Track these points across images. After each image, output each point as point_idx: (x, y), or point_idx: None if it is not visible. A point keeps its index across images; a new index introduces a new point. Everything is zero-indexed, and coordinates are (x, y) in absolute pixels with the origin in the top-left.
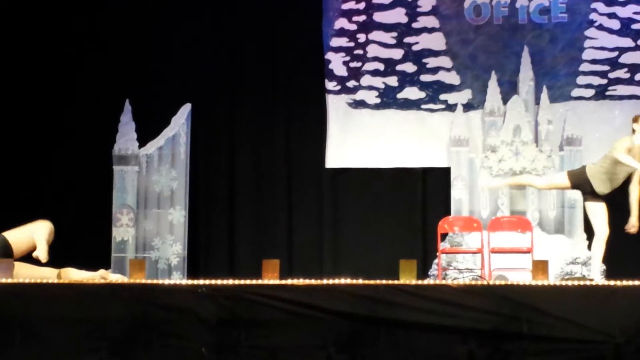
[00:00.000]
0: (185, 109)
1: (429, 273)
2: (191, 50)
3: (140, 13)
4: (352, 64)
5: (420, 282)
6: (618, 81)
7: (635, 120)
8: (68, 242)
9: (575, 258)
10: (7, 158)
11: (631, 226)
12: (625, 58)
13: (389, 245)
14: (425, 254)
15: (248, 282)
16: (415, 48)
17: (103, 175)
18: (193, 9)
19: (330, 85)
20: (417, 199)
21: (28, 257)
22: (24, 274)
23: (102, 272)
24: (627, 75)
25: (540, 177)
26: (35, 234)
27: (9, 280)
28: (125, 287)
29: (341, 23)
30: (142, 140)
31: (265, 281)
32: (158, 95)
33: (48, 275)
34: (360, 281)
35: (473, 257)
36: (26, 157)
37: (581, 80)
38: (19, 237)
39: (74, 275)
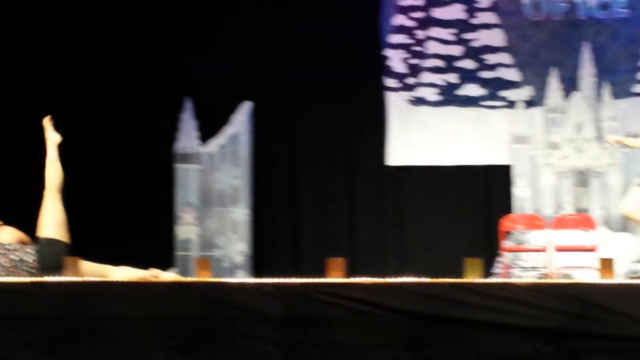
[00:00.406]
0: (247, 107)
1: (493, 272)
2: (251, 48)
3: (199, 10)
4: (411, 61)
5: (485, 280)
6: None
7: None
8: (131, 240)
9: None
10: (68, 157)
11: None
12: None
13: (452, 244)
14: (489, 252)
15: (314, 280)
16: (474, 44)
17: (166, 174)
18: (251, 6)
19: (390, 82)
20: (479, 197)
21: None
22: (87, 270)
23: (153, 271)
24: None
25: None
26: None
27: (77, 278)
28: (192, 286)
29: (399, 20)
30: (204, 139)
31: (331, 279)
32: (219, 94)
33: (107, 272)
34: (426, 279)
35: (537, 255)
36: (88, 157)
37: None
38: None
39: (125, 273)
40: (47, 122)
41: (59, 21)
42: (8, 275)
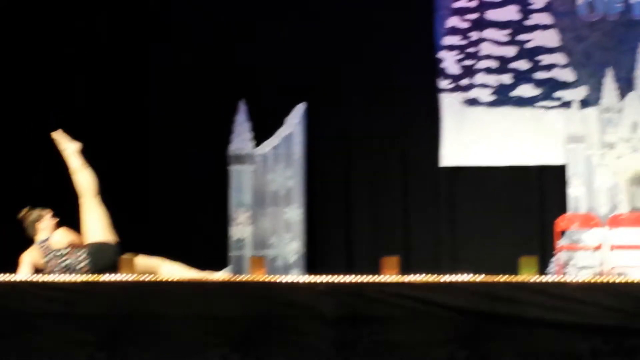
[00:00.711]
0: (300, 108)
1: (548, 271)
2: (305, 50)
3: (253, 13)
4: (465, 62)
5: (541, 278)
6: None
7: None
8: (186, 240)
9: None
10: (120, 160)
11: None
12: None
13: (506, 243)
14: (543, 251)
15: (368, 278)
16: (528, 45)
17: (220, 175)
18: (304, 9)
19: (444, 83)
20: (534, 197)
21: None
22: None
23: (206, 273)
24: None
25: None
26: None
27: (133, 278)
28: (246, 285)
29: (453, 21)
30: (258, 140)
31: (385, 278)
32: (272, 95)
33: (157, 267)
34: (481, 277)
35: (592, 254)
36: (143, 158)
37: None
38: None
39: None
40: (59, 135)
41: (121, 22)
42: (58, 273)
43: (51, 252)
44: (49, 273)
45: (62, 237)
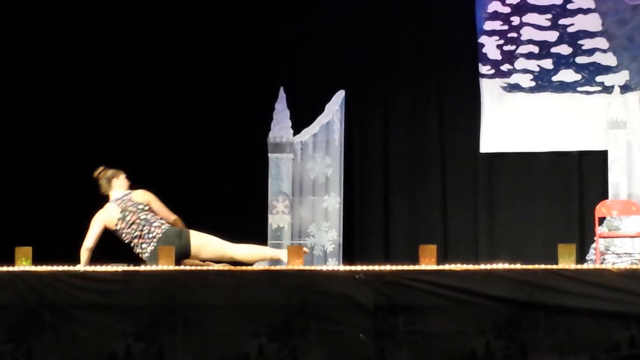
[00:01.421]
0: (339, 96)
1: (587, 258)
2: (344, 37)
3: (292, 3)
4: (506, 47)
5: (579, 266)
6: None
7: None
8: (225, 228)
9: None
10: (161, 147)
11: None
12: None
13: (546, 230)
14: (583, 238)
15: (405, 267)
16: (570, 30)
17: (259, 163)
18: None
19: (484, 69)
20: (574, 183)
21: None
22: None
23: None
24: None
25: None
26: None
27: (171, 268)
28: (284, 274)
29: (494, 6)
30: (297, 128)
31: (423, 266)
32: (312, 83)
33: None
34: (519, 266)
35: (632, 241)
36: (182, 147)
37: None
38: (206, 243)
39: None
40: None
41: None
42: (129, 231)
43: (132, 204)
44: (120, 230)
45: (145, 194)
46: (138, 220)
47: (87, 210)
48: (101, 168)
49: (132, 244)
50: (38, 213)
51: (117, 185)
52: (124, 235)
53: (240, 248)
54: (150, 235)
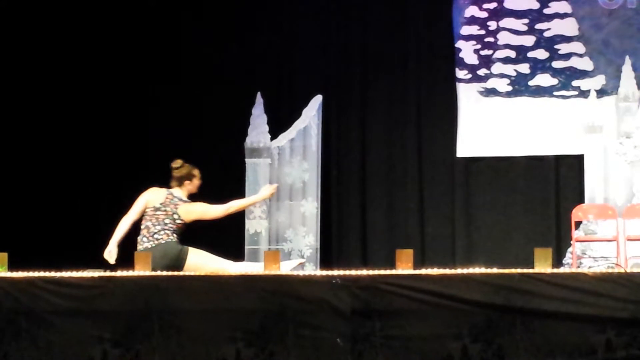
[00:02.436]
0: (316, 100)
1: (564, 262)
2: (320, 41)
3: (270, 5)
4: (483, 52)
5: (556, 270)
6: None
7: None
8: (202, 234)
9: None
10: (133, 153)
11: None
12: None
13: (522, 234)
14: (559, 242)
15: (382, 272)
16: (547, 34)
17: (236, 167)
18: (321, 0)
19: (461, 73)
20: (551, 187)
21: None
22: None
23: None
24: None
25: None
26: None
27: (147, 273)
28: (261, 278)
29: (472, 11)
30: (274, 133)
31: (400, 271)
32: (289, 88)
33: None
34: (495, 270)
35: (608, 245)
36: (159, 152)
37: None
38: (202, 260)
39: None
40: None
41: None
42: (148, 218)
43: (172, 211)
44: (145, 215)
45: (189, 214)
46: (160, 219)
47: (63, 215)
48: (180, 162)
49: (142, 227)
50: (13, 218)
51: (185, 188)
52: (144, 219)
53: (239, 267)
54: (156, 236)
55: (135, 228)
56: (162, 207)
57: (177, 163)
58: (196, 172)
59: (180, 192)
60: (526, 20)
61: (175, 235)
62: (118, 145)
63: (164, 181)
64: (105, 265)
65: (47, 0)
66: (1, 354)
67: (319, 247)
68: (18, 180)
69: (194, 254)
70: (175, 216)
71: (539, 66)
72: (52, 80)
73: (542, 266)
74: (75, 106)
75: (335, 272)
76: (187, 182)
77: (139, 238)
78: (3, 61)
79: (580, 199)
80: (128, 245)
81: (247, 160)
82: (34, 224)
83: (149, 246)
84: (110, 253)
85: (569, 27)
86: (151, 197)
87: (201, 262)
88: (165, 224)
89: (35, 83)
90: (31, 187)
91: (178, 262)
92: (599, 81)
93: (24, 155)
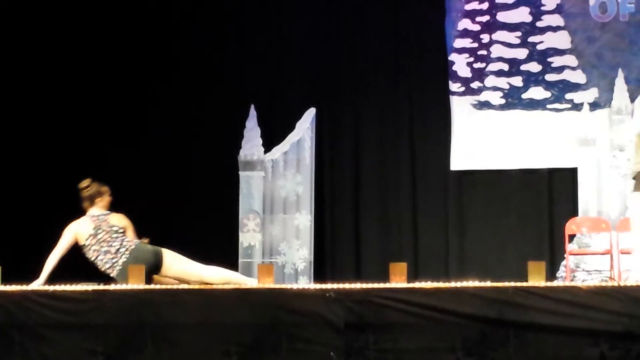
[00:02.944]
0: (310, 113)
1: (557, 275)
2: (314, 54)
3: (262, 19)
4: (476, 65)
5: (549, 283)
6: None
7: None
8: (196, 246)
9: None
10: (128, 165)
11: None
12: None
13: (516, 247)
14: (553, 255)
15: (376, 285)
16: (539, 47)
17: (229, 181)
18: (314, 12)
19: (454, 86)
20: (544, 200)
21: None
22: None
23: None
24: None
25: None
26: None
27: (140, 287)
28: (255, 292)
29: (464, 24)
30: (268, 146)
31: (393, 284)
32: (283, 101)
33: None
34: (488, 283)
35: (602, 258)
36: (154, 164)
37: None
38: (177, 259)
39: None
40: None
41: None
42: (97, 247)
43: (107, 225)
44: (89, 246)
45: (123, 219)
46: (109, 238)
47: (58, 228)
48: (87, 181)
49: (98, 260)
50: (6, 231)
51: (99, 205)
52: (91, 251)
53: (210, 270)
54: (122, 249)
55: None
56: (98, 232)
57: (84, 183)
58: (105, 189)
59: (97, 210)
60: (519, 33)
61: (131, 240)
62: (106, 158)
63: (155, 193)
64: (98, 278)
65: (46, 0)
66: None
67: (312, 260)
68: (10, 190)
69: (167, 253)
70: (115, 228)
71: (532, 79)
72: (48, 83)
73: (536, 279)
74: (60, 114)
75: (329, 286)
76: (98, 199)
77: (104, 268)
78: (2, 61)
79: (574, 212)
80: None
81: (240, 173)
82: (27, 236)
83: (126, 259)
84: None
85: (561, 40)
86: (79, 229)
87: (176, 260)
88: (118, 238)
89: (34, 85)
90: (23, 197)
91: (155, 261)
92: (592, 94)
93: (17, 165)
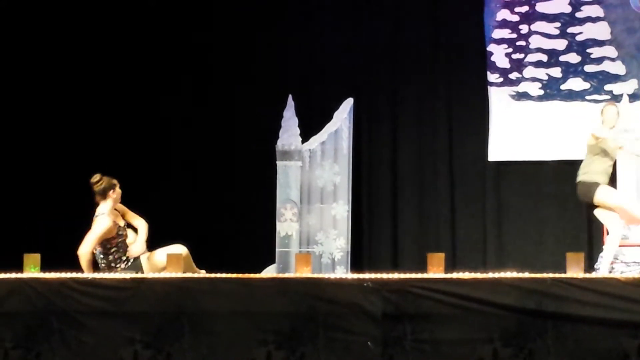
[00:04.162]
0: (348, 103)
1: (595, 267)
2: (352, 44)
3: (300, 10)
4: (515, 56)
5: (587, 275)
6: None
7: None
8: (234, 236)
9: None
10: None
11: None
12: None
13: (554, 239)
14: (591, 247)
15: (413, 275)
16: (579, 38)
17: (267, 170)
18: (352, 1)
19: (493, 77)
20: None
21: None
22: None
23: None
24: None
25: None
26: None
27: (179, 275)
28: (293, 282)
29: (503, 14)
30: (305, 136)
31: (431, 275)
32: (320, 91)
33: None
34: (527, 274)
35: None
36: (191, 155)
37: None
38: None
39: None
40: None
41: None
42: (106, 250)
43: (123, 223)
44: (115, 239)
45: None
46: (123, 239)
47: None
48: (98, 176)
49: (112, 253)
50: (45, 220)
51: (110, 198)
52: (111, 243)
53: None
54: (123, 258)
55: None
56: (120, 228)
57: (95, 178)
58: (115, 181)
59: (104, 206)
60: (558, 24)
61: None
62: (148, 150)
63: (187, 187)
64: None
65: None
66: (33, 353)
67: (349, 250)
68: (47, 182)
69: (145, 259)
70: (124, 224)
71: (570, 70)
72: (63, 82)
73: (574, 271)
74: (92, 108)
75: (366, 276)
76: (110, 192)
77: (110, 260)
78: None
79: None
80: None
81: (278, 162)
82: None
83: (124, 266)
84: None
85: (601, 31)
86: (116, 220)
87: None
88: (124, 243)
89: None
90: (60, 188)
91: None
92: (631, 85)
93: (51, 153)
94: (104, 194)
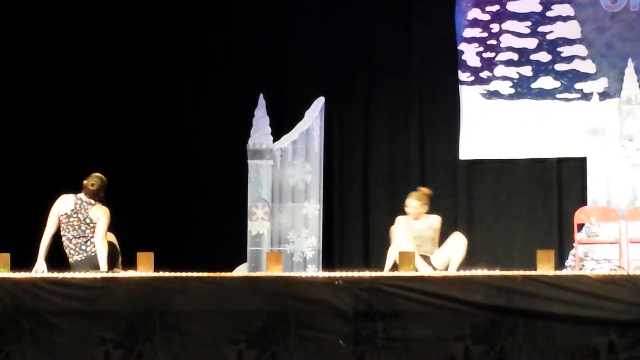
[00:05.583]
0: (319, 102)
1: (566, 264)
2: (323, 43)
3: (272, 9)
4: (486, 55)
5: (558, 272)
6: None
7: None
8: (205, 235)
9: None
10: (138, 155)
11: None
12: None
13: (525, 236)
14: (562, 244)
15: (384, 274)
16: (549, 37)
17: (238, 169)
18: (324, 0)
19: (464, 76)
20: (553, 189)
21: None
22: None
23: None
24: None
25: None
26: None
27: (149, 274)
28: (264, 280)
29: (474, 13)
30: (277, 135)
31: (402, 273)
32: (292, 89)
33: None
34: (498, 272)
35: (610, 247)
36: (161, 154)
37: None
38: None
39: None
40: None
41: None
42: (66, 227)
43: (85, 213)
44: (65, 225)
45: (99, 211)
46: (76, 226)
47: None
48: (98, 175)
49: (64, 239)
50: (14, 219)
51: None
52: (60, 228)
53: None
54: (83, 247)
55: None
56: (73, 214)
57: (92, 179)
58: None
59: (85, 196)
60: (529, 23)
61: (93, 241)
62: (116, 147)
63: (165, 182)
64: None
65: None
66: (3, 354)
67: (321, 248)
68: (18, 180)
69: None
70: (88, 220)
71: (541, 69)
72: (53, 81)
73: (545, 268)
74: (72, 107)
75: (338, 274)
76: (102, 192)
77: (66, 251)
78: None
79: (583, 202)
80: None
81: (249, 161)
82: (34, 224)
83: (79, 259)
84: (39, 268)
85: (571, 29)
86: (61, 206)
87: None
88: (85, 233)
89: (37, 81)
90: (31, 186)
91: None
92: (601, 84)
93: (24, 156)
94: (97, 195)
